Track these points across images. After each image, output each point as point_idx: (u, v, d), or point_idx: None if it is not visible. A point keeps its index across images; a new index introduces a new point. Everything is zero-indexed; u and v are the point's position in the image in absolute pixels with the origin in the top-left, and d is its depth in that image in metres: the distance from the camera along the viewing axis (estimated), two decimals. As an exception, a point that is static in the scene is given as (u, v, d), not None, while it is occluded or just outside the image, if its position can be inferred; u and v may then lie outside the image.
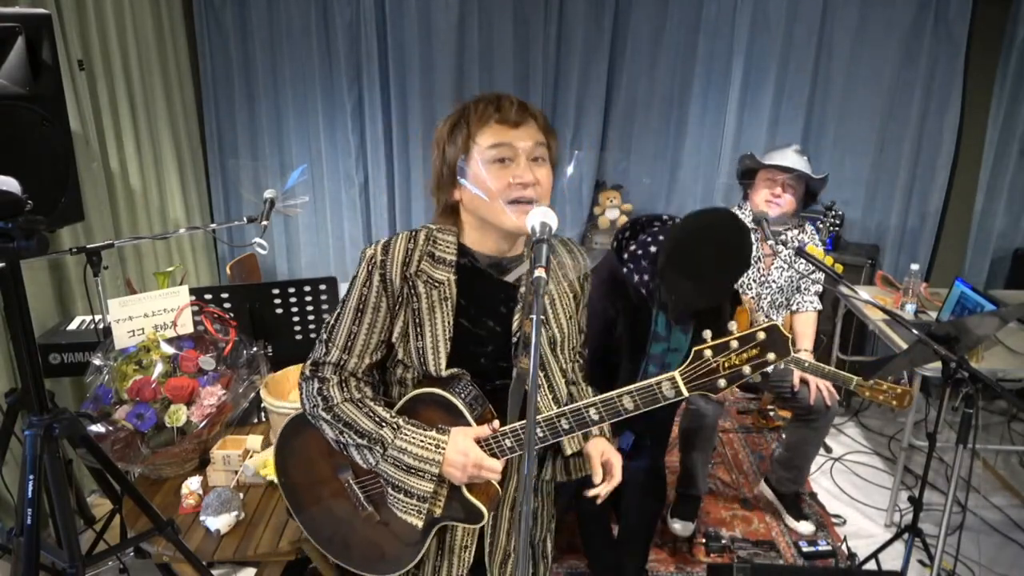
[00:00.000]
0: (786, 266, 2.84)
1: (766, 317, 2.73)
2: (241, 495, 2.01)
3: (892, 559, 2.64)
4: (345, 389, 1.36)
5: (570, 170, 4.16)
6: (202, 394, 2.08)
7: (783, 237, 2.81)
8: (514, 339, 1.35)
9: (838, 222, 3.72)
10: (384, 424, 1.32)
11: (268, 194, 2.49)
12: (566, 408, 1.29)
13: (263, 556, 1.89)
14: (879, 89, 3.90)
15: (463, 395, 1.33)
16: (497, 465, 1.30)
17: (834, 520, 3.08)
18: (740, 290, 2.74)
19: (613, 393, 1.26)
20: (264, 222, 2.44)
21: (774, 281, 2.85)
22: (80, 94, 2.96)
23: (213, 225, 2.65)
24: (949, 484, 2.19)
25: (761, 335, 1.19)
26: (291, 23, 3.94)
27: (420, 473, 1.30)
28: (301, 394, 1.39)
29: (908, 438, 2.95)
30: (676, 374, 1.23)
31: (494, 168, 1.25)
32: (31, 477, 1.60)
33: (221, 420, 2.13)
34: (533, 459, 1.10)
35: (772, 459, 3.12)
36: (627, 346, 1.97)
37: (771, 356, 1.20)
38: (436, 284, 1.32)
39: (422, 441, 1.30)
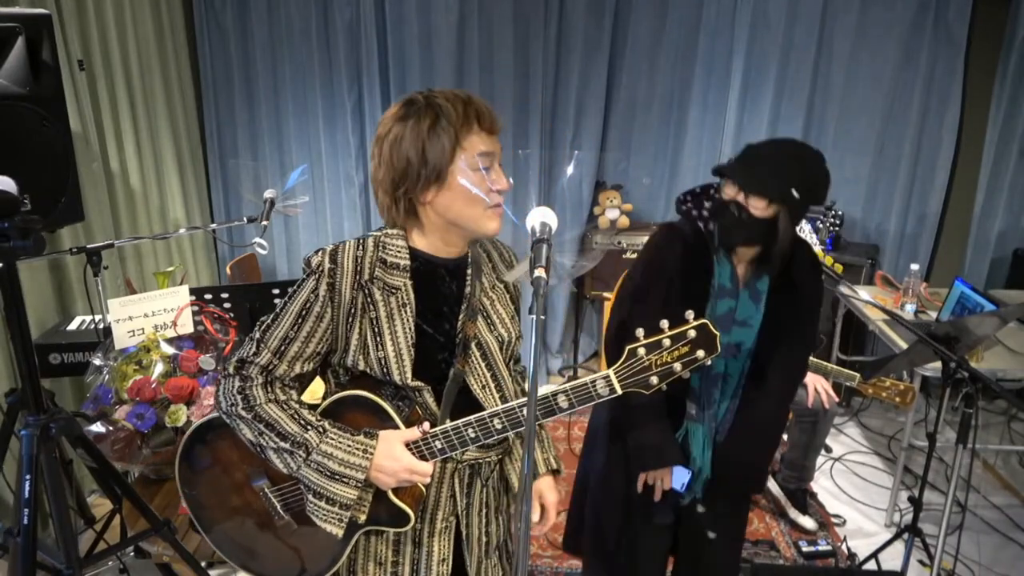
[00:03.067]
0: None
1: None
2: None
3: (892, 559, 2.64)
4: (270, 390, 1.31)
5: (570, 170, 4.16)
6: (202, 394, 2.08)
7: None
8: (456, 340, 1.35)
9: (838, 222, 3.71)
10: (309, 427, 1.28)
11: (268, 194, 2.49)
12: (499, 408, 1.28)
13: (262, 556, 1.88)
14: (879, 89, 3.90)
15: (391, 397, 1.31)
16: (428, 468, 1.29)
17: (834, 520, 3.08)
18: None
19: (548, 392, 1.26)
20: (264, 222, 2.44)
21: None
22: (80, 94, 2.96)
23: (213, 225, 2.65)
24: (949, 484, 2.19)
25: (692, 332, 1.22)
26: (291, 24, 3.94)
27: (345, 479, 1.26)
28: (218, 391, 1.33)
29: (908, 438, 2.95)
30: (611, 372, 1.25)
31: (478, 175, 1.25)
32: (28, 477, 1.60)
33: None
34: (531, 460, 1.09)
35: (780, 460, 3.14)
36: (683, 305, 1.79)
37: (700, 353, 1.23)
38: (393, 290, 1.29)
39: (349, 446, 1.27)
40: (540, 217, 1.18)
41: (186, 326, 2.20)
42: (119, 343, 2.11)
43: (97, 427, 1.98)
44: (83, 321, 2.79)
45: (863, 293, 3.40)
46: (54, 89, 1.87)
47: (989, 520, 3.06)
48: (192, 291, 2.28)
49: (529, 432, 1.05)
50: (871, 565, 2.65)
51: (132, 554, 2.41)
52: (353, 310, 1.29)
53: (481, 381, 1.36)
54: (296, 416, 1.29)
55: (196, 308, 2.24)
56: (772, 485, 3.15)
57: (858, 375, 2.49)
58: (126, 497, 1.88)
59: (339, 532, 1.30)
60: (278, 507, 1.41)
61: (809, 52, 3.87)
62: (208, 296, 2.43)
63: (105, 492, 2.26)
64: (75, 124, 2.91)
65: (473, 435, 1.29)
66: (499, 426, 1.29)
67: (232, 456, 1.40)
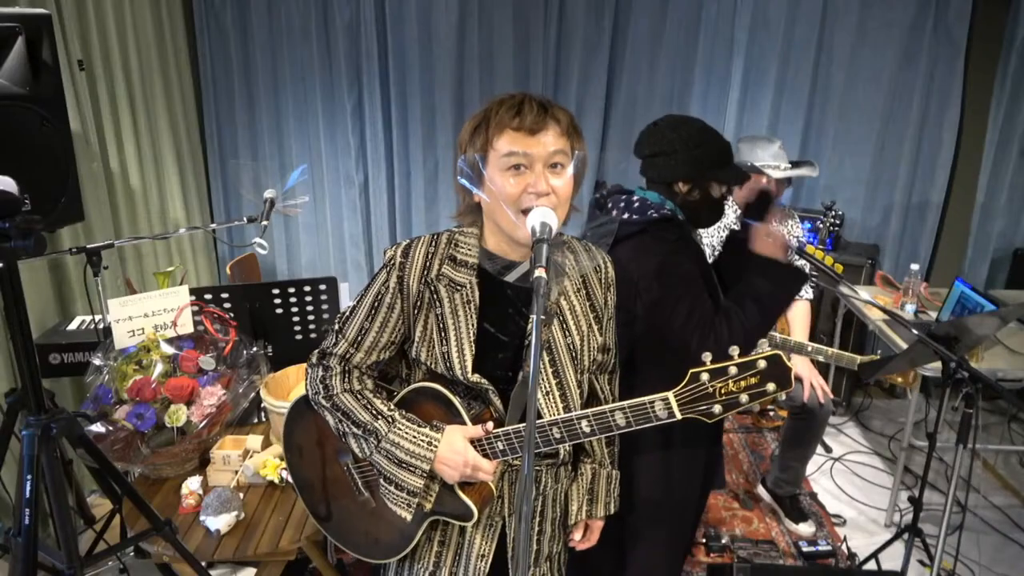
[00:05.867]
0: None
1: None
2: (241, 495, 2.01)
3: (892, 559, 2.64)
4: (347, 380, 1.37)
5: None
6: (202, 394, 2.08)
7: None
8: (526, 342, 1.33)
9: (838, 222, 3.72)
10: (380, 416, 1.33)
11: (268, 194, 2.49)
12: (558, 418, 1.28)
13: (263, 556, 1.89)
14: (879, 89, 3.90)
15: (462, 394, 1.33)
16: (490, 467, 1.30)
17: (834, 520, 3.08)
18: None
19: (605, 408, 1.25)
20: (264, 222, 2.44)
21: None
22: (80, 94, 2.96)
23: (213, 225, 2.65)
24: (949, 484, 2.19)
25: (762, 363, 1.14)
26: (291, 24, 3.94)
27: (411, 468, 1.31)
28: (306, 379, 1.42)
29: (908, 438, 2.95)
30: (670, 395, 1.20)
31: (508, 175, 1.23)
32: (28, 477, 1.60)
33: (221, 420, 2.13)
34: (532, 459, 1.09)
35: (770, 461, 3.13)
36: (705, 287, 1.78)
37: (771, 387, 1.15)
38: (458, 287, 1.31)
39: (415, 437, 1.31)
40: (540, 217, 1.18)
41: (186, 326, 2.20)
42: (119, 343, 2.11)
43: (97, 427, 1.98)
44: (83, 321, 2.79)
45: (863, 293, 3.40)
46: (54, 89, 1.87)
47: (989, 520, 3.06)
48: (192, 291, 2.28)
49: (529, 433, 1.05)
50: (871, 565, 2.65)
51: (132, 554, 2.42)
52: (419, 303, 1.32)
53: (545, 387, 1.34)
54: (369, 406, 1.35)
55: (196, 308, 2.24)
56: (764, 495, 3.14)
57: (859, 357, 2.49)
58: (127, 497, 1.87)
59: (408, 516, 1.35)
60: (359, 483, 1.46)
61: (809, 52, 3.87)
62: (208, 296, 2.43)
63: (105, 492, 2.26)
64: (75, 124, 2.91)
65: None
66: (558, 435, 1.28)
67: (326, 430, 1.45)
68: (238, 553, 1.86)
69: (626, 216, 1.83)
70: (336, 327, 1.39)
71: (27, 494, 1.60)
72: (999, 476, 3.44)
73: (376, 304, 1.34)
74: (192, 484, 2.01)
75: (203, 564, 1.90)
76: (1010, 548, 2.91)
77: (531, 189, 1.22)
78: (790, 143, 3.90)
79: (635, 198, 1.87)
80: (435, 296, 1.31)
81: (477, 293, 1.32)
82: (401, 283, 1.31)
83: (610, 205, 1.91)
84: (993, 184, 3.95)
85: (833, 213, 3.64)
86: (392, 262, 1.32)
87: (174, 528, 1.84)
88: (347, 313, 1.38)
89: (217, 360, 2.16)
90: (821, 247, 3.55)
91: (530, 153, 1.22)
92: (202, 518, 1.92)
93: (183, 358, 2.12)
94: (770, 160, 2.67)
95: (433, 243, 1.33)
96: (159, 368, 2.08)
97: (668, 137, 1.81)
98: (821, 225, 3.63)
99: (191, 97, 4.00)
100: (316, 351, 1.41)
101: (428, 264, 1.32)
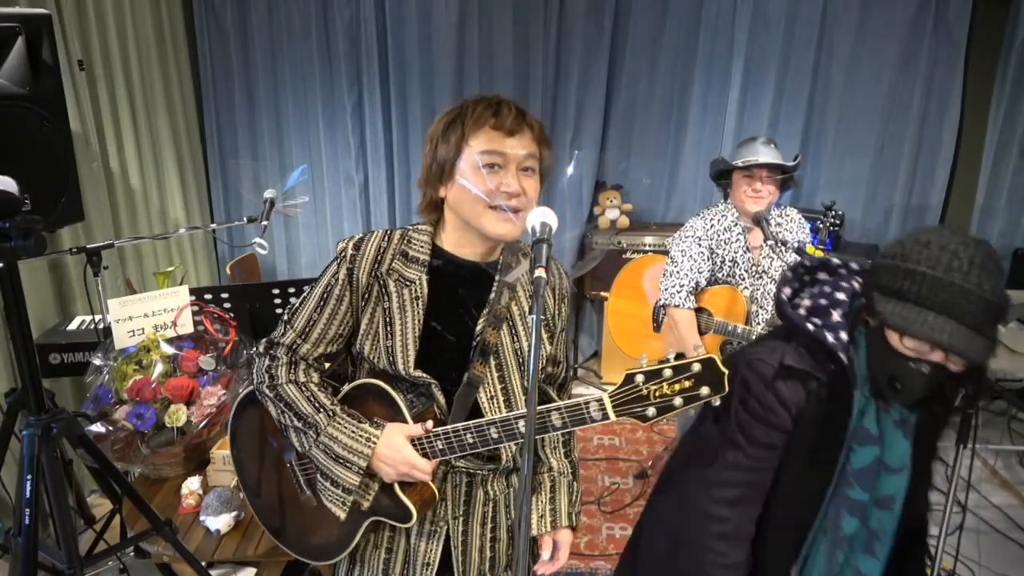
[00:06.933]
0: (775, 256, 2.82)
1: (760, 308, 2.72)
2: (241, 495, 2.01)
3: (892, 559, 2.64)
4: (292, 371, 1.37)
5: (570, 170, 4.16)
6: (202, 394, 2.08)
7: (782, 236, 2.81)
8: (474, 343, 1.34)
9: (838, 222, 3.71)
10: (321, 409, 1.32)
11: (268, 194, 2.49)
12: (496, 417, 1.27)
13: (263, 556, 1.88)
14: (879, 89, 3.90)
15: (406, 391, 1.33)
16: (427, 466, 1.28)
17: (834, 520, 3.07)
18: (732, 282, 2.72)
19: (542, 408, 1.23)
20: (264, 222, 2.44)
21: (765, 271, 2.82)
22: (80, 94, 2.96)
23: (213, 225, 2.65)
24: (949, 484, 2.19)
25: (696, 367, 1.14)
26: (291, 23, 3.94)
27: (348, 464, 1.30)
28: (252, 368, 1.41)
29: (908, 438, 2.94)
30: (605, 396, 1.20)
31: (482, 173, 1.24)
32: (28, 477, 1.60)
33: (221, 420, 2.13)
34: (532, 459, 1.09)
35: None
36: (807, 458, 1.30)
37: (704, 390, 1.14)
38: (407, 283, 1.32)
39: (354, 432, 1.30)
40: (540, 217, 1.17)
41: (186, 326, 2.20)
42: (119, 343, 2.11)
43: (97, 427, 1.98)
44: (83, 321, 2.79)
45: (863, 293, 3.40)
46: (54, 89, 1.87)
47: (989, 520, 3.06)
48: (192, 291, 2.28)
49: (529, 432, 1.05)
50: (871, 565, 2.64)
51: (132, 554, 2.42)
52: (368, 296, 1.32)
53: (490, 391, 1.35)
54: (311, 398, 1.34)
55: (196, 308, 2.24)
56: None
57: None
58: (127, 497, 1.87)
59: (341, 515, 1.34)
60: (301, 481, 1.45)
61: (809, 52, 3.87)
62: (208, 296, 2.42)
63: (105, 492, 2.26)
64: (75, 124, 2.91)
65: (471, 441, 1.28)
66: (495, 435, 1.27)
67: (272, 425, 1.44)
68: (238, 553, 1.86)
69: (801, 311, 1.33)
70: (285, 318, 1.38)
71: (27, 494, 1.60)
72: (999, 476, 3.44)
73: (325, 296, 1.34)
74: (192, 484, 2.01)
75: (203, 564, 1.90)
76: (1010, 548, 2.91)
77: (504, 188, 1.24)
78: (790, 143, 3.90)
79: (840, 290, 1.32)
80: (384, 290, 1.31)
81: (426, 290, 1.32)
82: (351, 275, 1.31)
83: (817, 278, 1.39)
84: (993, 184, 3.95)
85: (833, 213, 3.63)
86: (343, 254, 1.32)
87: (174, 528, 1.84)
88: (297, 304, 1.38)
89: (217, 360, 2.15)
90: (821, 247, 3.55)
91: (506, 153, 1.25)
92: (202, 518, 1.92)
93: (183, 358, 2.12)
94: (748, 156, 2.63)
95: (386, 238, 1.34)
96: (159, 368, 2.08)
97: (909, 236, 1.22)
98: (821, 225, 3.61)
99: (191, 97, 4.00)
100: (264, 340, 1.40)
101: (380, 258, 1.32)
